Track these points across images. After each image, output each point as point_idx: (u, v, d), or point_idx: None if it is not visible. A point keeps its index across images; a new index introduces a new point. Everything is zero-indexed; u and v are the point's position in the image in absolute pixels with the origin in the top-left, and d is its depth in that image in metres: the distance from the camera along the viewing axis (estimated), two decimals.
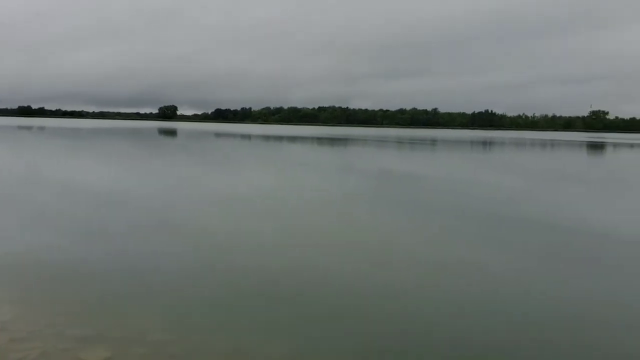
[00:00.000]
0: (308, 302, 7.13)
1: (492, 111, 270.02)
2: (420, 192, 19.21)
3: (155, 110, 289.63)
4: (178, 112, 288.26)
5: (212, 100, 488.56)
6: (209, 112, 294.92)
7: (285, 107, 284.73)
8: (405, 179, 23.68)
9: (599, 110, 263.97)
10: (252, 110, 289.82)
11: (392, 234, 11.53)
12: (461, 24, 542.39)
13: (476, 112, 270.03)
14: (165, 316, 6.48)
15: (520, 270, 8.88)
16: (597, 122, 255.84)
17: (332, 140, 68.93)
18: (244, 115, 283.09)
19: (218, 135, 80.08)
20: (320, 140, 69.78)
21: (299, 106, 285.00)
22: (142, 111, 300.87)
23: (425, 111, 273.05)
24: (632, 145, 74.16)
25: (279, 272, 8.45)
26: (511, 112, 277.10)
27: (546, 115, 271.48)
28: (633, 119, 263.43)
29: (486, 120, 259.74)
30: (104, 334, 5.90)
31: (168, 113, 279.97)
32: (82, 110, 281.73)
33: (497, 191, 19.83)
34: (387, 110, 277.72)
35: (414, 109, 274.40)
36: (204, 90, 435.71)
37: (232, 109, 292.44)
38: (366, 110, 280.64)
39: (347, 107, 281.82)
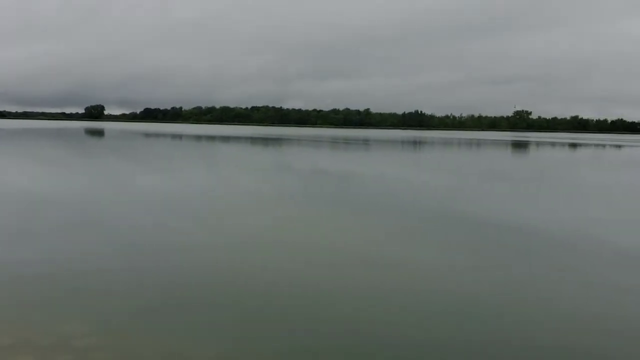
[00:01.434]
0: (241, 304, 7.00)
1: (421, 112, 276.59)
2: (356, 191, 19.36)
3: (81, 110, 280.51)
4: (105, 112, 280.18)
5: (141, 100, 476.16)
6: (138, 112, 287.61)
7: (218, 106, 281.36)
8: (340, 179, 23.80)
9: (523, 110, 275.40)
10: (182, 109, 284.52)
11: (328, 233, 11.52)
12: (391, 25, 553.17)
13: (406, 112, 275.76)
14: (92, 321, 6.20)
15: (453, 266, 9.06)
16: (521, 121, 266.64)
17: (266, 140, 68.61)
18: (174, 115, 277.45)
19: (147, 135, 78.09)
20: (254, 140, 69.30)
21: (232, 106, 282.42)
22: (67, 111, 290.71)
23: (357, 111, 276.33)
24: (553, 144, 77.61)
25: (211, 273, 8.28)
26: (439, 113, 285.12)
27: (473, 116, 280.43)
28: (554, 119, 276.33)
29: (416, 120, 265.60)
30: (26, 342, 5.58)
31: (95, 113, 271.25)
32: (4, 110, 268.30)
33: (428, 189, 20.26)
34: (321, 111, 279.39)
35: (347, 109, 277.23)
36: (132, 89, 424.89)
37: (162, 109, 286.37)
38: (300, 110, 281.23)
39: (281, 107, 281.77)
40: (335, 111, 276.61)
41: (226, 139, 71.34)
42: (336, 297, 7.32)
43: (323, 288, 7.68)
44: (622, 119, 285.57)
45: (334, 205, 15.37)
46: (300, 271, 8.49)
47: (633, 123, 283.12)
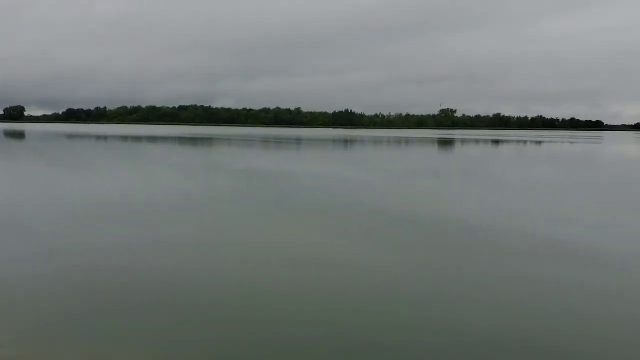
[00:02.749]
0: (173, 307, 6.80)
1: (351, 111, 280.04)
2: (290, 190, 19.29)
3: (0, 112, 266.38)
4: (26, 113, 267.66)
5: (63, 100, 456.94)
6: (60, 113, 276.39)
7: (144, 106, 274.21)
8: (273, 178, 23.67)
9: (448, 109, 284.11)
10: (107, 109, 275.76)
11: (261, 233, 11.40)
12: (320, 24, 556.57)
13: (337, 111, 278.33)
14: (12, 330, 5.84)
15: (387, 262, 9.17)
16: (446, 120, 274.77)
17: (195, 140, 67.42)
18: (98, 116, 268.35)
19: (71, 136, 75.15)
20: (182, 140, 67.93)
21: (159, 105, 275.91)
22: None
23: (288, 110, 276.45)
24: (477, 141, 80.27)
25: (138, 277, 8.01)
26: (369, 112, 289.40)
27: (401, 115, 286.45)
28: (478, 117, 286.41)
29: (346, 119, 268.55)
30: None
31: (14, 114, 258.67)
32: None
33: (362, 187, 20.44)
34: (251, 110, 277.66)
35: (278, 108, 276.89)
36: (54, 89, 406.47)
37: (85, 109, 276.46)
38: (230, 109, 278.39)
39: (210, 107, 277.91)
40: (265, 110, 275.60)
41: (153, 139, 69.60)
42: (271, 296, 7.22)
43: (257, 288, 7.56)
44: (541, 116, 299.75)
45: (268, 206, 15.24)
46: (234, 272, 8.34)
47: (551, 120, 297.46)
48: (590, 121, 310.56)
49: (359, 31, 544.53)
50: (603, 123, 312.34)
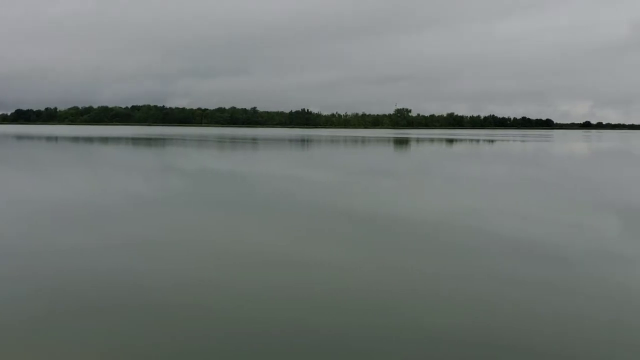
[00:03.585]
0: (130, 308, 6.56)
1: (307, 110, 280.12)
2: (247, 190, 19.06)
3: None
4: None
5: (11, 100, 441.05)
6: (9, 114, 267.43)
7: (95, 106, 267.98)
8: (228, 178, 23.37)
9: (403, 108, 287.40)
10: (58, 110, 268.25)
11: (217, 234, 11.19)
12: (277, 24, 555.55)
13: (293, 110, 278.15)
14: None
15: (349, 261, 9.10)
16: (402, 119, 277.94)
17: (149, 141, 66.25)
18: (48, 116, 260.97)
19: (19, 137, 72.80)
20: (135, 140, 66.64)
21: (111, 105, 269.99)
22: None
23: (244, 110, 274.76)
24: (432, 140, 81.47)
25: (96, 279, 7.74)
26: (325, 111, 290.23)
27: (357, 114, 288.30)
28: (432, 116, 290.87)
29: (303, 118, 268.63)
30: None
31: None
32: None
33: (320, 186, 20.38)
34: (206, 109, 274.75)
35: (233, 108, 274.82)
36: (2, 89, 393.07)
37: (35, 110, 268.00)
38: (184, 109, 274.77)
39: (164, 106, 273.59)
40: (221, 110, 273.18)
41: (105, 140, 68.04)
42: (231, 296, 7.08)
43: (217, 288, 7.41)
44: (493, 115, 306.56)
45: (226, 207, 15.00)
46: (193, 273, 8.14)
47: (503, 118, 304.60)
48: (541, 119, 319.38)
49: (314, 31, 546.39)
50: (553, 121, 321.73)
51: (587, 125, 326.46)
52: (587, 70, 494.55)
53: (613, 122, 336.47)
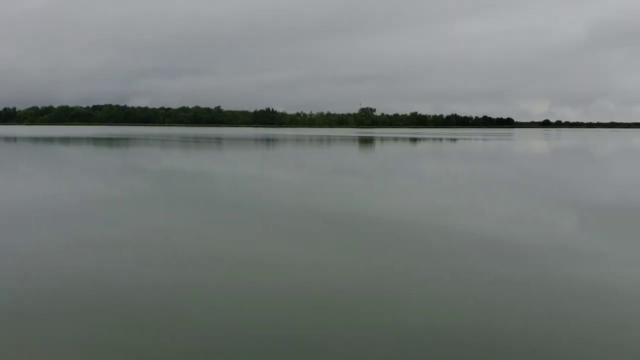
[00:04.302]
0: (88, 310, 6.42)
1: (272, 109, 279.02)
2: (213, 191, 18.87)
3: None
4: None
5: None
6: None
7: (56, 106, 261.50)
8: (192, 178, 23.11)
9: (368, 108, 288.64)
10: (17, 110, 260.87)
11: (181, 234, 11.04)
12: (241, 23, 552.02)
13: (258, 110, 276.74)
14: None
15: (311, 258, 9.08)
16: (366, 118, 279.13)
17: (110, 141, 65.03)
18: (7, 116, 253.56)
19: None
20: (96, 140, 65.34)
21: (72, 105, 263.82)
22: None
23: (208, 109, 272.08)
24: (396, 139, 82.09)
25: (60, 280, 7.56)
26: (290, 110, 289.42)
27: (322, 113, 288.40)
28: (396, 115, 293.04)
29: (268, 118, 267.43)
30: None
31: None
32: None
33: (287, 186, 20.32)
34: (169, 108, 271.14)
35: (197, 107, 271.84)
36: None
37: None
38: (146, 108, 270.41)
39: (126, 106, 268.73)
40: (184, 109, 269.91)
41: (66, 140, 66.53)
42: (195, 296, 6.99)
43: (182, 289, 7.30)
44: (455, 114, 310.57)
45: (190, 207, 14.82)
46: (159, 273, 8.01)
47: (465, 118, 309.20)
48: (502, 118, 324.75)
49: (279, 30, 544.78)
50: (513, 120, 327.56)
51: (546, 124, 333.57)
52: (546, 70, 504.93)
53: (572, 121, 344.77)
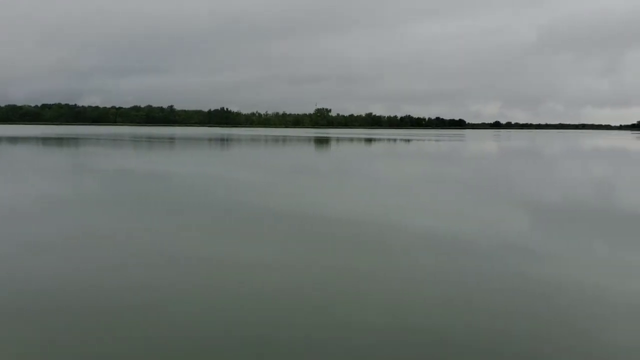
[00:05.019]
0: (47, 311, 6.17)
1: (227, 109, 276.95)
2: (161, 190, 18.50)
3: None
4: None
5: None
6: None
7: (3, 104, 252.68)
8: (145, 178, 22.64)
9: (323, 108, 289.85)
10: None
11: (137, 234, 10.78)
12: (195, 22, 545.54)
13: (212, 109, 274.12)
14: None
15: (269, 258, 9.00)
16: (322, 119, 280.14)
17: (60, 140, 63.22)
18: None
19: None
20: (45, 140, 63.39)
21: (19, 104, 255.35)
22: None
23: (161, 108, 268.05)
24: (352, 140, 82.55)
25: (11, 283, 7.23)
26: (245, 110, 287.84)
27: (277, 113, 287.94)
28: (352, 116, 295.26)
29: (222, 117, 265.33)
30: None
31: None
32: None
33: (242, 186, 20.12)
34: (121, 108, 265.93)
35: (150, 106, 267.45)
36: None
37: None
38: (97, 107, 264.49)
39: (76, 105, 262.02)
40: (136, 108, 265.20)
41: (12, 140, 64.31)
42: (141, 297, 6.84)
43: (137, 289, 7.11)
44: (409, 116, 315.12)
45: (146, 207, 14.50)
46: (116, 274, 7.79)
47: (419, 119, 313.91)
48: (454, 120, 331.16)
49: (235, 30, 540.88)
50: (465, 121, 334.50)
51: (497, 125, 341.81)
52: (496, 72, 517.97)
53: (521, 122, 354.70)
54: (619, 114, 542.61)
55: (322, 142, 71.89)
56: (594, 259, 9.54)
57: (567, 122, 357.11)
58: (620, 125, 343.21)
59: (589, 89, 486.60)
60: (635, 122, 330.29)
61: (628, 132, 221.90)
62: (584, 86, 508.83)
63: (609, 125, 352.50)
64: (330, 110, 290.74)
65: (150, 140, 66.78)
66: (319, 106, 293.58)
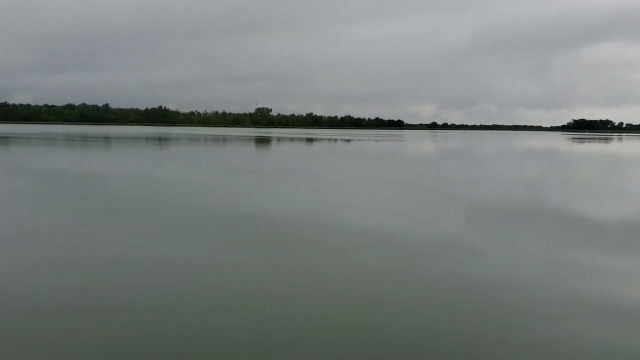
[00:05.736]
0: None
1: (165, 107, 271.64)
2: (104, 192, 17.92)
3: None
4: None
5: None
6: None
7: None
8: (80, 179, 21.89)
9: (264, 108, 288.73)
10: None
11: (78, 236, 10.40)
12: (132, 19, 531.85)
13: (149, 108, 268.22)
14: None
15: (211, 258, 8.87)
16: (262, 118, 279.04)
17: None
18: None
19: None
20: None
21: None
22: None
23: (95, 107, 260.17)
24: (293, 139, 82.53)
25: None
26: (184, 109, 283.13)
27: (217, 112, 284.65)
28: (292, 115, 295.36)
29: (160, 116, 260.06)
30: None
31: None
32: None
33: (180, 185, 19.75)
34: (53, 106, 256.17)
35: (84, 105, 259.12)
36: None
37: None
38: (29, 105, 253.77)
39: (6, 103, 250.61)
40: (70, 106, 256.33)
41: None
42: (91, 298, 6.59)
43: (77, 290, 6.87)
44: (349, 116, 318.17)
45: (83, 209, 14.01)
46: (54, 275, 7.48)
47: (358, 119, 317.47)
48: (393, 120, 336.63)
49: (174, 27, 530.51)
50: (403, 122, 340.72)
51: (434, 126, 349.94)
52: (432, 74, 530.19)
53: (457, 123, 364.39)
54: (551, 115, 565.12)
55: (262, 141, 71.54)
56: (528, 256, 9.86)
57: (501, 123, 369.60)
58: (552, 127, 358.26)
59: (521, 91, 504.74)
60: (565, 123, 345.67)
61: (559, 133, 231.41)
62: (516, 88, 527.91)
63: (540, 127, 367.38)
64: (271, 110, 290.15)
65: (85, 139, 64.65)
66: (260, 106, 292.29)
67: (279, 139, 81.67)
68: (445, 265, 9.01)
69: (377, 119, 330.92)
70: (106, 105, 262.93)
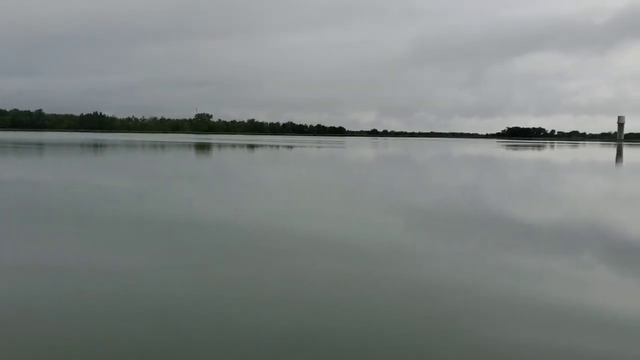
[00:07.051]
0: None
1: (101, 113, 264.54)
2: (29, 199, 17.12)
3: None
4: None
5: None
6: None
7: None
8: (9, 187, 20.89)
9: (204, 114, 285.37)
10: None
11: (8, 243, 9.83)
12: (68, 23, 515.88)
13: (85, 114, 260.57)
14: None
15: (155, 268, 8.56)
16: (202, 124, 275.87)
17: None
18: None
19: None
20: None
21: None
22: None
23: (28, 112, 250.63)
24: (234, 146, 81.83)
25: None
26: (121, 115, 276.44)
27: (155, 118, 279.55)
28: (234, 122, 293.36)
29: (96, 122, 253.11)
30: None
31: None
32: None
33: (115, 193, 19.14)
34: None
35: (16, 110, 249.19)
36: None
37: None
38: None
39: None
40: (1, 112, 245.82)
41: None
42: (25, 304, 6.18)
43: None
44: (291, 122, 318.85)
45: (14, 216, 13.32)
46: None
47: (300, 126, 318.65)
48: (334, 127, 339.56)
49: (111, 32, 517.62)
50: (345, 129, 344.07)
51: (374, 133, 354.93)
52: (373, 82, 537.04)
53: (397, 130, 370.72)
54: (486, 123, 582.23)
55: (202, 148, 70.56)
56: (468, 258, 9.98)
57: (439, 131, 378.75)
58: (487, 134, 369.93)
59: (457, 100, 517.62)
60: (500, 131, 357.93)
61: (494, 140, 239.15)
62: (452, 97, 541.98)
63: (476, 134, 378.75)
64: (211, 116, 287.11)
65: (17, 146, 61.99)
66: (200, 112, 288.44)
67: (219, 145, 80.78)
68: (390, 270, 8.99)
69: (319, 125, 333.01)
70: (39, 110, 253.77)
